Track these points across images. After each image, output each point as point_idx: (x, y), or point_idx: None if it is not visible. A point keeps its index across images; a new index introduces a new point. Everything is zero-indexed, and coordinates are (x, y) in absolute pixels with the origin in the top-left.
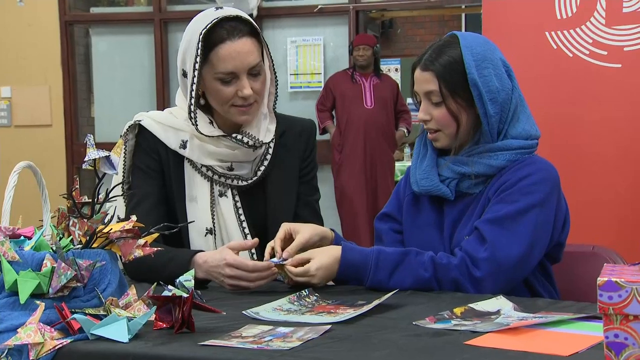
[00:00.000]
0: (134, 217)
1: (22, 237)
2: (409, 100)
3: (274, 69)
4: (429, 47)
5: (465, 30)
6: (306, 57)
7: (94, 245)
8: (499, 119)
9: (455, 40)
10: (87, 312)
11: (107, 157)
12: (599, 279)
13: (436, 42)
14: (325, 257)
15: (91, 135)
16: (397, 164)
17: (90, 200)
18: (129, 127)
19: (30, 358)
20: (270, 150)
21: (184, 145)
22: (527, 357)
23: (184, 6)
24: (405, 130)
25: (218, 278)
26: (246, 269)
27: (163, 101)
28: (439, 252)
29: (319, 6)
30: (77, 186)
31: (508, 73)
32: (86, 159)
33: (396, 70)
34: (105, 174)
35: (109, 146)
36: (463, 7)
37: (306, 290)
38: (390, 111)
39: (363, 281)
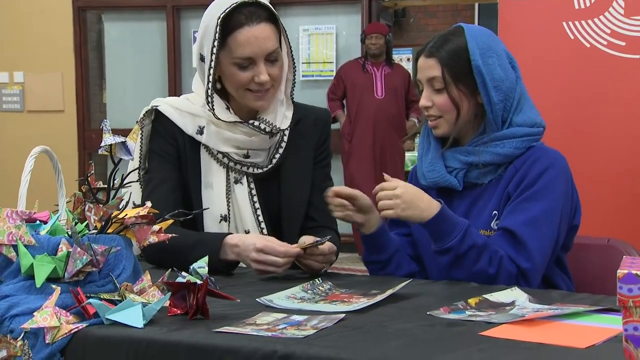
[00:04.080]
0: (149, 203)
1: (38, 222)
2: None
3: (292, 56)
4: (433, 37)
5: (478, 21)
6: (318, 46)
7: (109, 230)
8: (502, 107)
9: (460, 30)
10: (102, 297)
11: (124, 143)
12: (618, 271)
13: (441, 32)
14: (415, 189)
15: (107, 121)
16: (408, 154)
17: (106, 185)
18: (146, 112)
19: (46, 341)
20: (286, 138)
21: (200, 131)
22: (543, 349)
23: None
24: (416, 121)
25: (245, 261)
26: (277, 254)
27: (175, 88)
28: (506, 254)
29: None
30: (93, 171)
31: (512, 64)
32: (102, 144)
33: (408, 60)
34: (121, 159)
35: (120, 132)
36: None
37: (319, 278)
38: (401, 101)
39: (445, 237)
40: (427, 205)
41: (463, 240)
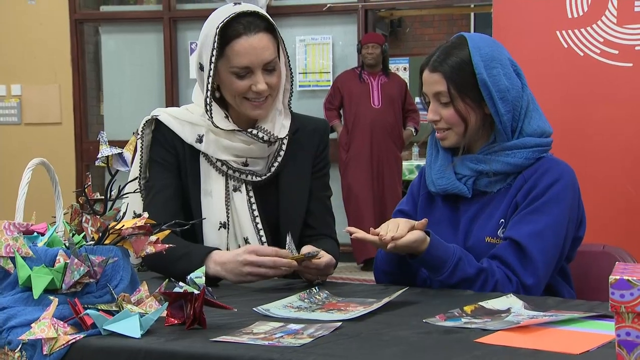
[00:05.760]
0: (146, 214)
1: (35, 233)
2: (417, 99)
3: (289, 66)
4: (437, 49)
5: (474, 30)
6: (315, 56)
7: (107, 241)
8: (511, 117)
9: (463, 42)
10: (99, 307)
11: (120, 154)
12: (611, 277)
13: (444, 43)
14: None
15: (104, 133)
16: (405, 163)
17: (103, 197)
18: (146, 122)
19: (44, 353)
20: (284, 147)
21: (200, 139)
22: (538, 355)
23: (193, 5)
24: (413, 130)
25: (235, 269)
26: (268, 253)
27: (172, 99)
28: (501, 274)
29: (328, 5)
30: (90, 183)
31: (517, 72)
32: (99, 155)
33: (404, 69)
34: (118, 170)
35: (117, 144)
36: (472, 6)
37: (316, 287)
38: (397, 110)
39: (435, 271)
40: (417, 241)
41: (453, 275)
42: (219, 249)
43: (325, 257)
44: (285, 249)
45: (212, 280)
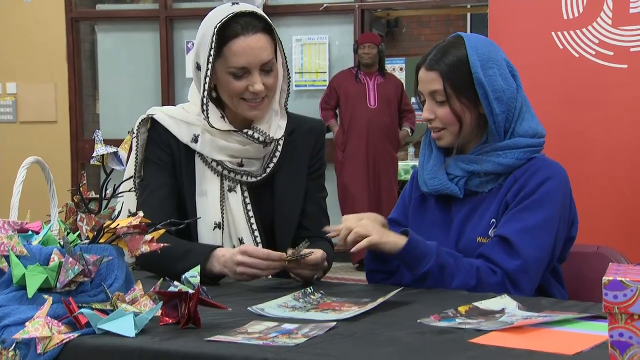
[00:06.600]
0: (141, 213)
1: (30, 232)
2: (414, 99)
3: (286, 66)
4: (433, 48)
5: (471, 30)
6: (311, 56)
7: (101, 240)
8: (505, 117)
9: (460, 41)
10: (94, 306)
11: (115, 153)
12: (604, 278)
13: (440, 42)
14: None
15: (99, 131)
16: (401, 164)
17: (98, 195)
18: (142, 120)
19: (38, 351)
20: (280, 148)
21: (195, 139)
22: (532, 356)
23: (190, 3)
24: (409, 130)
25: (232, 269)
26: (259, 255)
27: (168, 98)
28: (483, 264)
29: (325, 5)
30: (85, 181)
31: (512, 73)
32: (94, 154)
33: (401, 69)
34: (113, 169)
35: (113, 143)
36: (469, 6)
37: (311, 287)
38: (394, 110)
39: (419, 263)
40: (397, 236)
41: (437, 262)
42: (220, 246)
43: (315, 254)
44: (285, 248)
45: (215, 278)
